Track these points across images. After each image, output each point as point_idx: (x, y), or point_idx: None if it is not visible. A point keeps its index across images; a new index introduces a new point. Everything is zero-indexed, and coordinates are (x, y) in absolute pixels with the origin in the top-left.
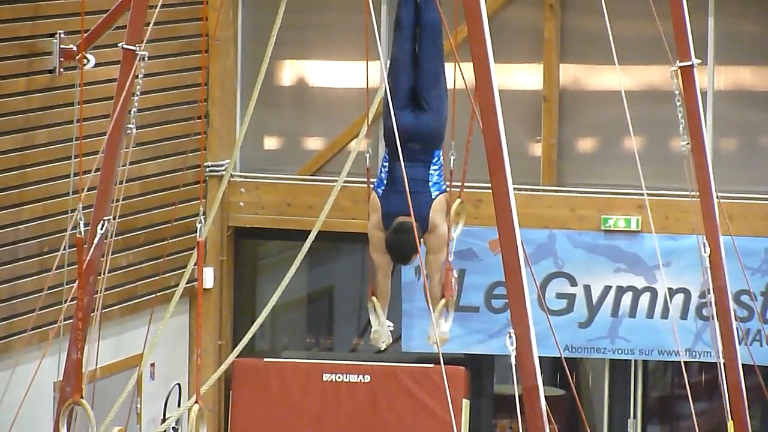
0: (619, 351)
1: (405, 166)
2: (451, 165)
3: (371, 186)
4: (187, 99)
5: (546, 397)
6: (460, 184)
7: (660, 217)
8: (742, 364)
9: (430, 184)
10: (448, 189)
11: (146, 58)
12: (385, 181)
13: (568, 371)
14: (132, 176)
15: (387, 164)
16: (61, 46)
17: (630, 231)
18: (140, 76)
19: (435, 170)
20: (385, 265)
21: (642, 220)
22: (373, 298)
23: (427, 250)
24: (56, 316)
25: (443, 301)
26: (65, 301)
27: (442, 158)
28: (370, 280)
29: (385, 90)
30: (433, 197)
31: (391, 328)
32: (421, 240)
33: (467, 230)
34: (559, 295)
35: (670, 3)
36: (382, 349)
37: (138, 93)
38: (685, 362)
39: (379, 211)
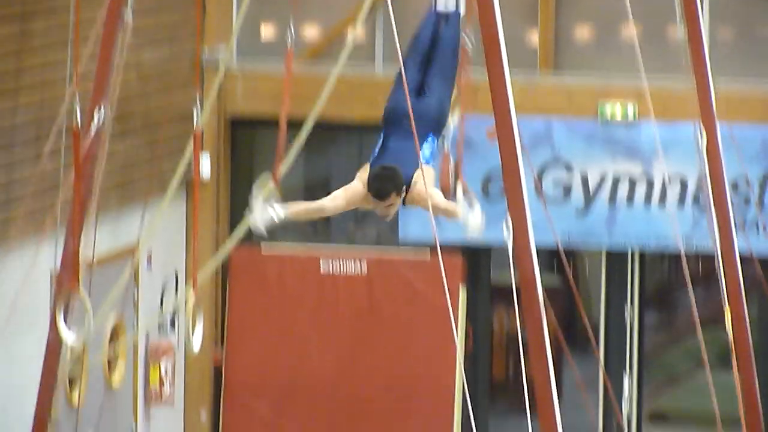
0: (617, 240)
1: (399, 140)
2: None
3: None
4: None
5: (543, 286)
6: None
7: (657, 106)
8: (739, 254)
9: (421, 157)
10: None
11: None
12: (377, 154)
13: (565, 260)
14: (128, 64)
15: (381, 141)
16: None
17: (627, 120)
18: None
19: (428, 148)
20: (335, 207)
21: (639, 108)
22: (270, 184)
23: (416, 203)
24: (53, 203)
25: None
26: (61, 189)
27: (437, 144)
28: (276, 166)
29: (397, 74)
30: (420, 164)
31: (272, 220)
32: (405, 194)
33: (464, 118)
34: (556, 184)
35: None
36: (258, 230)
37: None
38: (682, 252)
39: (368, 170)
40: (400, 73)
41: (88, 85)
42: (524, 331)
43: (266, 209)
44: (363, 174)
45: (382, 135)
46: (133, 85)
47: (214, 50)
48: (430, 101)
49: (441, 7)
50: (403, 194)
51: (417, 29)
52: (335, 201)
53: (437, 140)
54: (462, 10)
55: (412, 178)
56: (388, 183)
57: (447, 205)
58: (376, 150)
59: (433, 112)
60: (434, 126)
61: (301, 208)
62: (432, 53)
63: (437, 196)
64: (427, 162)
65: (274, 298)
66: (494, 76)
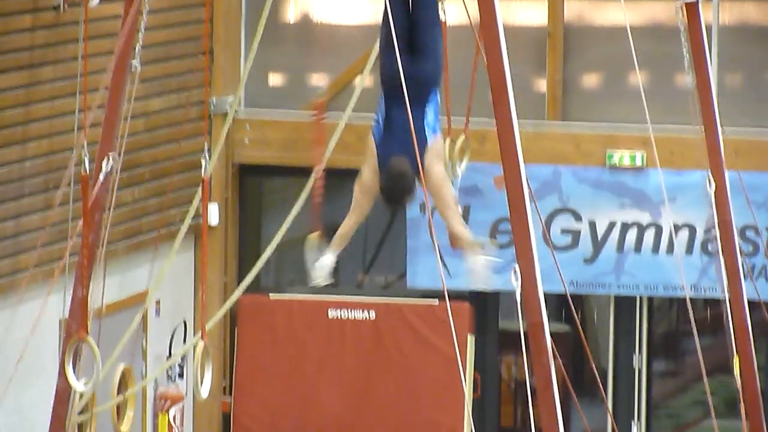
0: (625, 287)
1: (401, 107)
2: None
3: (371, 127)
4: (192, 35)
5: (551, 333)
6: (464, 119)
7: (665, 153)
8: (748, 300)
9: (425, 125)
10: (442, 129)
11: None
12: (381, 127)
13: (573, 307)
14: (136, 113)
15: (383, 106)
16: None
17: (635, 167)
18: (144, 12)
19: (430, 110)
20: (364, 207)
21: (647, 156)
22: (315, 236)
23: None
24: (61, 252)
25: (473, 239)
26: (70, 238)
27: (438, 96)
28: (315, 218)
29: (383, 34)
30: (428, 141)
31: (331, 266)
32: (417, 179)
33: (472, 166)
34: (564, 231)
35: None
36: (320, 285)
37: (142, 29)
38: (690, 298)
39: (376, 157)
40: (387, 33)
41: (96, 135)
42: (532, 378)
43: (321, 263)
44: (371, 159)
45: (382, 101)
46: (142, 134)
47: (222, 99)
48: (424, 60)
49: None
50: (415, 182)
51: None
52: (361, 208)
53: (438, 94)
54: None
55: (424, 158)
56: (403, 191)
57: (458, 228)
58: (380, 119)
59: (429, 70)
60: (433, 83)
61: (342, 239)
62: (413, 12)
63: (445, 187)
64: (434, 130)
65: (281, 344)
66: (502, 124)
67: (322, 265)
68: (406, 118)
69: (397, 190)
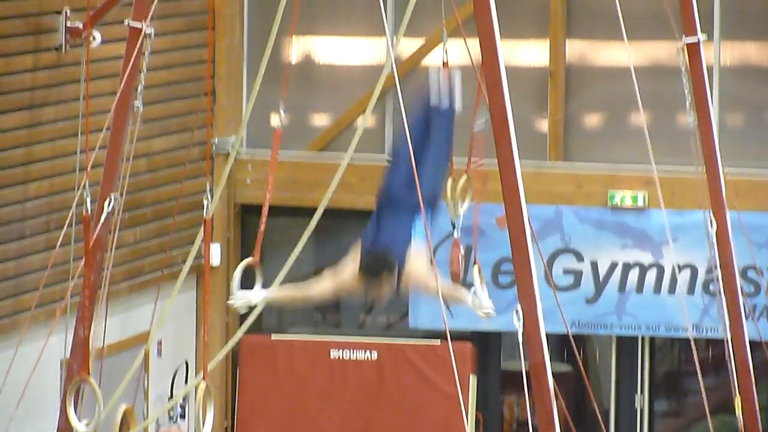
0: (627, 327)
1: (391, 218)
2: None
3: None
4: (194, 76)
5: (553, 373)
6: (466, 160)
7: (667, 193)
8: (749, 340)
9: (412, 229)
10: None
11: (152, 35)
12: (369, 233)
13: (575, 347)
14: (138, 153)
15: (374, 220)
16: (68, 24)
17: (637, 207)
18: (146, 53)
19: (419, 225)
20: (323, 294)
21: (649, 196)
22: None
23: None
24: (63, 293)
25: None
26: (72, 279)
27: (430, 220)
28: (256, 248)
29: (394, 154)
30: (411, 242)
31: (253, 303)
32: (398, 274)
33: (474, 207)
34: (566, 271)
35: None
36: (236, 308)
37: (144, 70)
38: (692, 338)
39: (358, 253)
40: (395, 159)
41: (98, 175)
42: (534, 418)
43: (247, 294)
44: (353, 257)
45: (375, 215)
46: (144, 175)
47: (224, 139)
48: (422, 187)
49: (435, 101)
50: (396, 273)
51: (410, 120)
52: (322, 285)
53: (431, 216)
54: (457, 106)
55: (405, 257)
56: (380, 262)
57: (444, 288)
58: (369, 230)
59: (425, 195)
60: (427, 205)
61: (287, 293)
62: (425, 143)
63: (430, 277)
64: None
65: (283, 384)
66: (504, 164)
67: (247, 296)
68: (394, 223)
69: (373, 256)
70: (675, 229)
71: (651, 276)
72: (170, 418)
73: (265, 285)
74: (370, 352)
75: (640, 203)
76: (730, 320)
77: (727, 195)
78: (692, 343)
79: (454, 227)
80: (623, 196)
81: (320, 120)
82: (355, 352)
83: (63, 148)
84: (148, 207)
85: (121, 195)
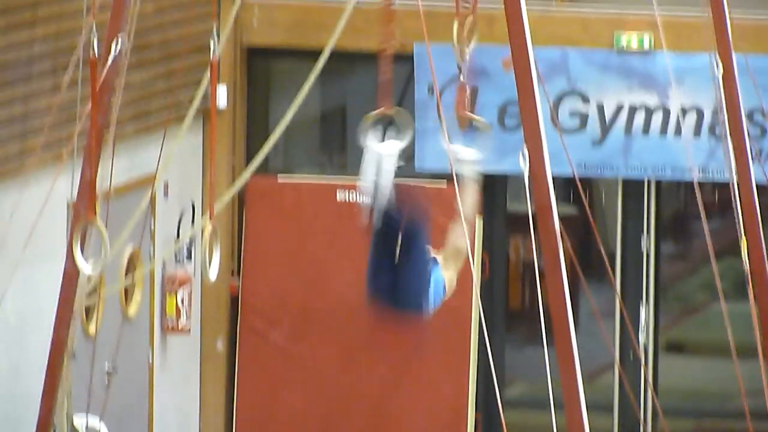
0: (633, 169)
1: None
2: None
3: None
4: None
5: (559, 215)
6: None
7: (673, 36)
8: (756, 183)
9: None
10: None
11: None
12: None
13: (581, 190)
14: None
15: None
16: None
17: (643, 50)
18: None
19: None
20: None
21: (655, 39)
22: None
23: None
24: (70, 135)
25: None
26: (78, 120)
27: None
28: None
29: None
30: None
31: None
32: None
33: (480, 49)
34: (572, 114)
35: None
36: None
37: None
38: (698, 181)
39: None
40: (373, 262)
41: (105, 17)
42: (540, 260)
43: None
44: None
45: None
46: (150, 17)
47: None
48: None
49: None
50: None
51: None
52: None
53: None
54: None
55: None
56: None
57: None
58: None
59: (412, 300)
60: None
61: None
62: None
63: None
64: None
65: (290, 227)
66: (510, 6)
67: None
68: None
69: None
70: (681, 72)
71: (657, 118)
72: (177, 259)
73: (273, 127)
74: None
75: (646, 46)
76: (736, 163)
77: (734, 38)
78: (696, 185)
79: (460, 70)
80: (629, 39)
81: None
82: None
83: None
84: (155, 49)
85: (128, 37)
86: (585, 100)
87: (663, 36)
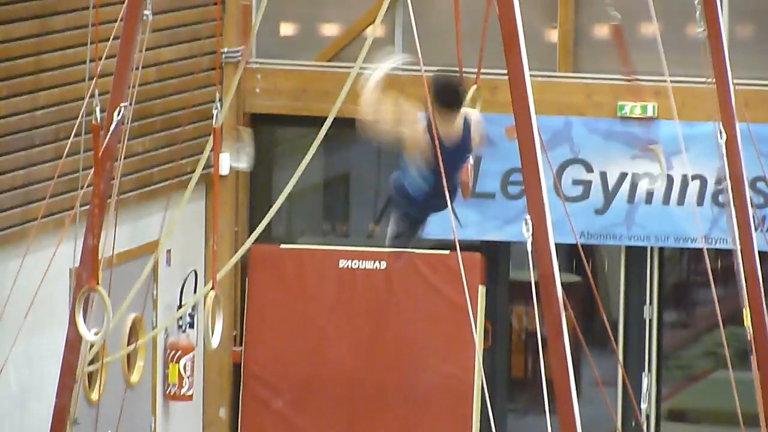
0: (636, 237)
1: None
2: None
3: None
4: None
5: (562, 283)
6: (476, 70)
7: (676, 104)
8: (758, 251)
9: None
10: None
11: None
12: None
13: (584, 258)
14: (148, 62)
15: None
16: None
17: (646, 117)
18: None
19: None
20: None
21: (658, 107)
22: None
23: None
24: (72, 202)
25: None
26: (81, 188)
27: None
28: None
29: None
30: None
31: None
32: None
33: (483, 116)
34: (576, 182)
35: None
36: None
37: None
38: (704, 248)
39: (427, 148)
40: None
41: (107, 85)
42: (543, 329)
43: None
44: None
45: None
46: (153, 84)
47: (234, 49)
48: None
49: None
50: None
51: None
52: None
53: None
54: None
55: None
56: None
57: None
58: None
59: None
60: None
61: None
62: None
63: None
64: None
65: (292, 294)
66: (514, 73)
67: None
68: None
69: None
70: (684, 140)
71: (660, 187)
72: (179, 327)
73: (275, 195)
74: (379, 262)
75: (650, 113)
76: (739, 231)
77: (737, 106)
78: (705, 252)
79: None
80: (633, 107)
81: (330, 30)
82: (363, 261)
83: (73, 57)
84: (158, 116)
85: (131, 104)
86: (588, 168)
87: (667, 104)
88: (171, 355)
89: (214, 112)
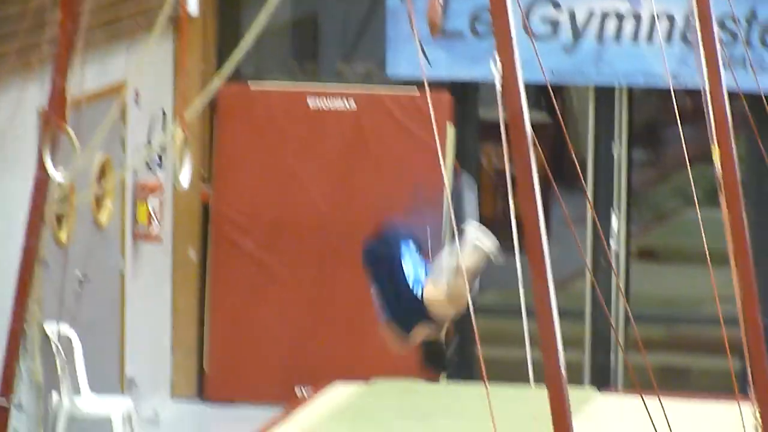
0: (605, 76)
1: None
2: None
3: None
4: None
5: (531, 122)
6: None
7: None
8: (727, 90)
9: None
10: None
11: None
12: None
13: (553, 97)
14: None
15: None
16: None
17: None
18: None
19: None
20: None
21: None
22: None
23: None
24: (40, 40)
25: None
26: (48, 27)
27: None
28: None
29: None
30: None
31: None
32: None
33: None
34: (544, 20)
35: None
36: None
37: None
38: (672, 87)
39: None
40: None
41: None
42: (512, 167)
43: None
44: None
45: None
46: None
47: None
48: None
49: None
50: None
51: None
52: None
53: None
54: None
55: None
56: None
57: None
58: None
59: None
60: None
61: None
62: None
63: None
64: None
65: (261, 135)
66: None
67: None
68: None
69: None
70: None
71: (629, 25)
72: (148, 167)
73: (243, 35)
74: (348, 102)
75: None
76: (707, 69)
77: None
78: (672, 91)
79: None
80: None
81: None
82: (333, 101)
83: None
84: None
85: None
86: (556, 6)
87: None
88: (140, 196)
89: None
